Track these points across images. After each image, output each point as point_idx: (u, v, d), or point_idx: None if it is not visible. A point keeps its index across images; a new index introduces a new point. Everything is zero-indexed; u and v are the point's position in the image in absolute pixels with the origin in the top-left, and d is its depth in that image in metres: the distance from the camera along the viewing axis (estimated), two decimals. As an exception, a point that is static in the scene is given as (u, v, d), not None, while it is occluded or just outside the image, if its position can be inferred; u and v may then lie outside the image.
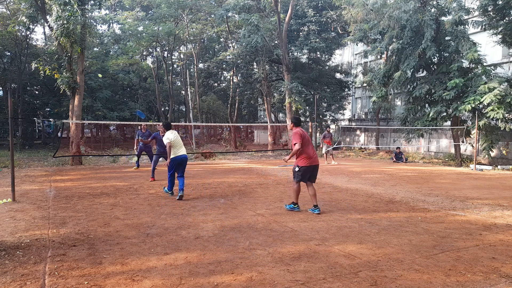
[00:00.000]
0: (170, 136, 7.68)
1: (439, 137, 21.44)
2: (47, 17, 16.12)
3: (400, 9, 16.25)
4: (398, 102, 26.32)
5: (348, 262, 4.07)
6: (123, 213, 6.34)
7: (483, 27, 16.11)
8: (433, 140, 21.93)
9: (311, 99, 24.08)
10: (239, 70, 29.03)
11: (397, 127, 21.28)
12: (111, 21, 34.83)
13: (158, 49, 30.83)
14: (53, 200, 7.40)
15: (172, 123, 8.18)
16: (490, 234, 5.22)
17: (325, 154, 16.11)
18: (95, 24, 33.26)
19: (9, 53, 26.61)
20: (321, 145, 16.54)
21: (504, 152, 16.98)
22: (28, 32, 24.45)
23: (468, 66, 16.14)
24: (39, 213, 6.28)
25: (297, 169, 6.35)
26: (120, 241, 4.77)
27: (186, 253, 4.32)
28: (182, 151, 7.84)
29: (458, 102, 15.30)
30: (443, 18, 16.59)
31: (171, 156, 7.70)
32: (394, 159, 17.71)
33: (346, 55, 33.48)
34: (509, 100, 13.61)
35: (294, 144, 6.22)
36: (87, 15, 15.30)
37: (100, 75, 25.06)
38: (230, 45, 28.46)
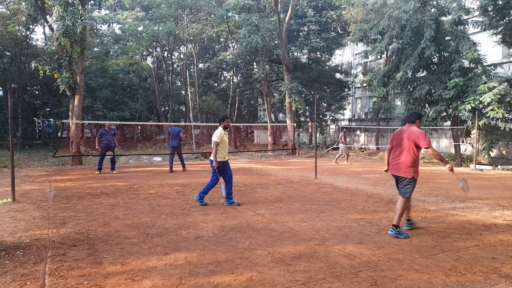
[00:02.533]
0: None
1: (439, 137, 21.43)
2: (47, 17, 16.12)
3: (400, 9, 16.24)
4: (398, 102, 26.31)
5: (348, 262, 4.07)
6: (123, 213, 6.34)
7: (483, 27, 16.10)
8: (433, 140, 21.92)
9: (311, 99, 24.07)
10: (239, 70, 29.01)
11: (397, 127, 21.26)
12: (111, 21, 34.83)
13: (158, 49, 30.83)
14: (53, 200, 7.40)
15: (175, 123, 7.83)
16: (490, 234, 5.22)
17: (345, 155, 16.26)
18: (95, 24, 33.26)
19: (9, 53, 26.63)
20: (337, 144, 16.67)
21: (504, 152, 16.97)
22: (28, 32, 24.45)
23: (468, 66, 16.13)
24: (39, 213, 6.27)
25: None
26: (120, 241, 4.77)
27: (186, 253, 4.32)
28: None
29: (458, 102, 15.29)
30: (443, 18, 16.58)
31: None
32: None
33: (346, 55, 33.47)
34: (509, 99, 13.60)
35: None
36: (87, 15, 15.30)
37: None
38: (230, 45, 28.46)
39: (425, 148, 4.95)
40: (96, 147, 11.94)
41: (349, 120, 32.56)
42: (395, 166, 5.19)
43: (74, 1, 13.19)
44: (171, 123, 12.44)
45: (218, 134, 6.69)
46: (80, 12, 13.20)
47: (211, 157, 6.76)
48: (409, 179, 5.07)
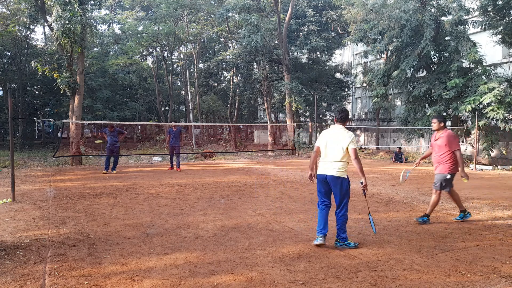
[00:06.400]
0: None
1: (439, 137, 21.39)
2: (47, 17, 16.11)
3: (400, 9, 16.26)
4: (398, 102, 26.32)
5: (348, 262, 4.07)
6: (123, 213, 6.34)
7: (483, 27, 16.11)
8: (433, 140, 21.89)
9: (311, 99, 24.09)
10: (239, 70, 29.02)
11: (397, 127, 21.26)
12: (111, 21, 34.83)
13: (158, 49, 30.83)
14: (53, 200, 7.40)
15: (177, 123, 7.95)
16: (490, 234, 5.22)
17: None
18: (95, 24, 33.23)
19: (9, 53, 26.62)
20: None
21: (504, 152, 16.97)
22: (28, 32, 24.45)
23: (468, 66, 16.14)
24: (39, 213, 6.27)
25: (448, 176, 5.79)
26: (120, 241, 4.77)
27: (186, 253, 4.32)
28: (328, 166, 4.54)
29: (458, 102, 15.30)
30: (443, 18, 16.59)
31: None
32: (394, 159, 17.71)
33: (346, 55, 33.47)
34: (509, 100, 13.61)
35: (456, 151, 5.67)
36: (87, 15, 15.28)
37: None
38: (230, 45, 28.46)
39: None
40: (105, 135, 12.43)
41: (349, 120, 32.55)
42: None
43: (72, 0, 13.17)
44: (177, 123, 13.19)
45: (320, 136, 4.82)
46: (77, 10, 13.16)
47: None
48: None
